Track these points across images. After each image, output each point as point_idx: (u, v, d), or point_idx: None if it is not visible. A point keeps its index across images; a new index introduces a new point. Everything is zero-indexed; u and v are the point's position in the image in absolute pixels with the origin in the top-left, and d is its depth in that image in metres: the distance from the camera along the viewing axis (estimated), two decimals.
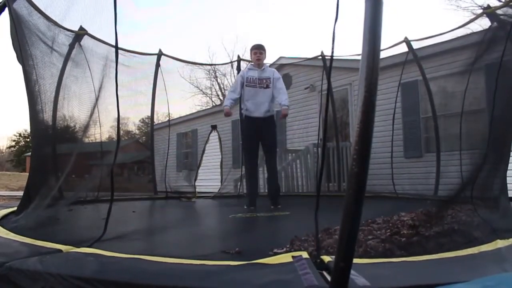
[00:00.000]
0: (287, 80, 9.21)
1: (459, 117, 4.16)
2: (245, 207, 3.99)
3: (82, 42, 4.33)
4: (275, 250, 1.80)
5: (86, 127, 4.33)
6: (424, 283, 1.25)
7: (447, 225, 2.07)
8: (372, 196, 4.78)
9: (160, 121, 8.68)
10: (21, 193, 3.88)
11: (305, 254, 1.49)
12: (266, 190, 4.58)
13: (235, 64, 6.92)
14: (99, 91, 4.15)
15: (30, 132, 4.19)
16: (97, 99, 4.17)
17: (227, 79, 23.70)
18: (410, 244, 1.76)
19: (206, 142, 6.93)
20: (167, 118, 6.90)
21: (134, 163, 21.44)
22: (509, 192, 2.71)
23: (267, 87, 4.13)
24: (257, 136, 4.15)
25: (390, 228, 2.08)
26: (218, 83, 24.16)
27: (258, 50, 4.18)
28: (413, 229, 1.96)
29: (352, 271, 1.05)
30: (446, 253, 1.58)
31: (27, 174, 4.06)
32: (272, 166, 4.22)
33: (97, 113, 4.41)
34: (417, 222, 2.07)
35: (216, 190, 6.44)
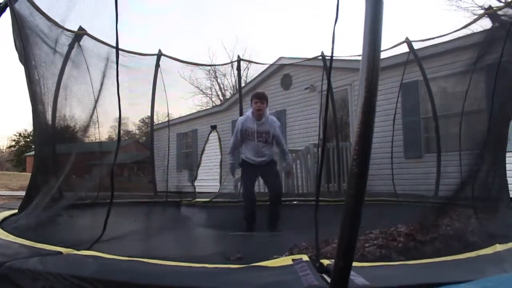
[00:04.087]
0: (287, 80, 9.23)
1: (460, 117, 4.16)
2: (244, 231, 3.78)
3: (82, 43, 4.33)
4: (275, 256, 1.80)
5: (87, 127, 4.33)
6: (424, 282, 1.25)
7: (446, 229, 2.07)
8: (370, 202, 4.76)
9: (160, 121, 8.68)
10: (21, 193, 3.88)
11: (305, 257, 1.50)
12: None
13: (235, 64, 6.91)
14: (100, 91, 4.15)
15: (33, 132, 4.19)
16: (97, 100, 4.17)
17: (227, 79, 23.71)
18: (408, 250, 1.76)
19: (206, 142, 6.94)
20: (167, 118, 6.90)
21: (134, 163, 21.43)
22: (509, 192, 2.71)
23: (266, 142, 3.88)
24: (255, 176, 4.00)
25: (387, 238, 2.07)
26: (218, 83, 24.16)
27: (260, 100, 3.82)
28: (410, 237, 1.95)
29: (351, 272, 1.05)
30: (445, 257, 1.58)
31: (27, 174, 4.06)
32: (277, 194, 3.97)
33: (97, 113, 4.41)
34: (415, 231, 2.06)
35: (216, 190, 6.44)
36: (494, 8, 3.61)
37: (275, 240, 3.10)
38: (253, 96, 3.93)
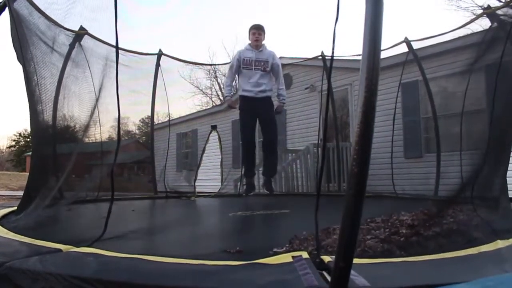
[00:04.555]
0: (287, 80, 9.22)
1: (460, 117, 4.16)
2: (244, 194, 3.88)
3: (82, 42, 4.33)
4: (275, 250, 1.80)
5: (86, 127, 4.33)
6: (424, 284, 1.25)
7: (447, 225, 2.07)
8: (372, 196, 4.77)
9: (160, 121, 8.68)
10: (21, 193, 3.88)
11: (305, 254, 1.49)
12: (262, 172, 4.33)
13: None
14: (100, 91, 4.15)
15: (31, 132, 4.20)
16: (97, 99, 4.17)
17: None
18: (410, 244, 1.76)
19: (206, 142, 6.94)
20: (167, 118, 6.90)
21: (134, 163, 21.45)
22: (509, 192, 2.71)
23: (264, 70, 3.96)
24: (253, 115, 3.99)
25: (389, 228, 2.08)
26: (218, 83, 24.17)
27: (257, 31, 4.00)
28: (412, 229, 1.96)
29: (351, 271, 1.05)
30: (446, 253, 1.58)
31: (27, 174, 4.07)
32: (272, 147, 4.03)
33: (97, 113, 4.41)
34: (417, 222, 2.07)
35: (216, 190, 6.44)
36: (493, 8, 3.61)
37: (275, 224, 3.10)
38: (251, 27, 4.08)
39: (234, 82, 4.20)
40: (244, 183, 4.00)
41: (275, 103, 4.26)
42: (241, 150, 4.16)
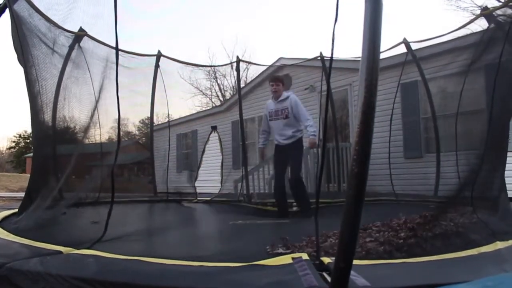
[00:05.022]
0: (287, 81, 9.22)
1: (459, 117, 4.16)
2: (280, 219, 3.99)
3: (82, 44, 4.33)
4: (268, 249, 1.81)
5: (87, 128, 4.33)
6: (424, 284, 1.25)
7: (447, 227, 2.07)
8: (371, 201, 4.78)
9: (159, 122, 8.68)
10: (21, 194, 3.88)
11: (305, 256, 1.50)
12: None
13: (235, 65, 6.91)
14: (100, 92, 4.15)
15: (32, 133, 4.19)
16: (97, 101, 4.17)
17: (226, 80, 23.71)
18: (410, 246, 1.76)
19: (206, 142, 6.94)
20: (167, 119, 6.90)
21: (134, 164, 21.39)
22: (509, 192, 2.71)
23: (286, 117, 4.17)
24: (282, 160, 4.24)
25: (389, 231, 2.09)
26: (218, 84, 24.17)
27: (274, 83, 4.23)
28: (412, 232, 1.96)
29: (352, 272, 1.05)
30: (445, 254, 1.58)
31: (27, 175, 4.07)
32: (297, 183, 4.25)
33: (97, 114, 4.41)
34: (416, 225, 2.07)
35: (216, 191, 6.44)
36: (490, 9, 3.61)
37: (275, 231, 3.11)
38: (269, 80, 4.37)
39: (268, 132, 4.46)
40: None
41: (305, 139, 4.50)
42: (274, 193, 4.47)
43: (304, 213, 3.95)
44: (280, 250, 1.80)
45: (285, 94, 4.24)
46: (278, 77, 4.34)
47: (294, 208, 4.24)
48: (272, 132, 4.33)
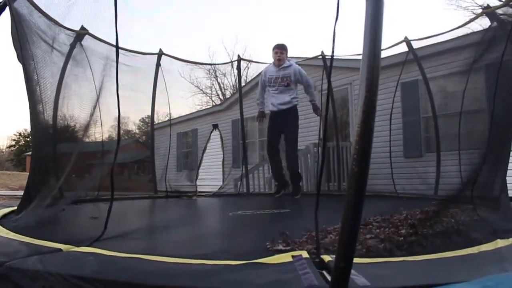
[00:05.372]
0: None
1: (459, 116, 4.16)
2: (275, 192, 4.17)
3: (83, 42, 4.33)
4: (268, 245, 1.81)
5: (87, 127, 4.33)
6: (424, 283, 1.25)
7: (447, 224, 2.07)
8: (372, 195, 4.77)
9: (160, 121, 8.67)
10: (21, 193, 3.88)
11: (305, 254, 1.49)
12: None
13: (235, 63, 6.90)
14: (100, 90, 4.14)
15: (31, 131, 4.19)
16: (97, 99, 4.16)
17: (227, 79, 23.73)
18: (410, 244, 1.76)
19: (208, 140, 6.93)
20: (167, 118, 6.90)
21: (134, 162, 21.43)
22: (509, 192, 2.70)
23: (288, 85, 4.22)
24: (277, 127, 4.29)
25: (389, 227, 2.09)
26: (218, 83, 24.18)
27: (279, 50, 4.26)
28: (412, 228, 1.96)
29: (352, 271, 1.05)
30: (446, 252, 1.58)
31: (27, 173, 4.07)
32: (292, 154, 4.33)
33: (98, 112, 4.41)
34: (417, 221, 2.07)
35: (216, 190, 6.44)
36: (492, 7, 3.60)
37: (275, 224, 3.11)
38: (274, 46, 4.36)
39: (264, 98, 4.56)
40: (275, 184, 4.39)
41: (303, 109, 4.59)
42: (268, 159, 4.54)
43: (295, 196, 4.07)
44: (280, 247, 1.80)
45: (287, 62, 4.31)
46: (283, 45, 4.38)
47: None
48: (268, 98, 4.41)
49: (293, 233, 2.03)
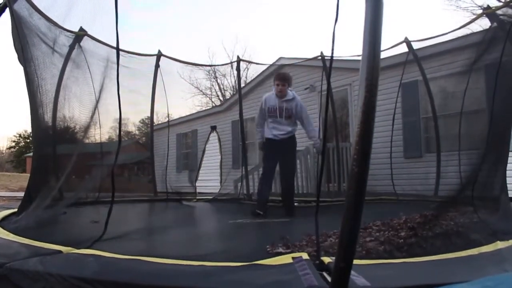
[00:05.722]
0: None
1: (459, 117, 4.16)
2: (256, 211, 3.84)
3: (82, 43, 4.33)
4: (268, 248, 1.81)
5: (87, 128, 4.33)
6: (424, 283, 1.25)
7: (447, 227, 2.07)
8: (371, 200, 4.78)
9: (159, 122, 8.68)
10: (21, 194, 3.88)
11: (305, 255, 1.49)
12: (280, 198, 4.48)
13: (235, 64, 6.91)
14: (100, 92, 4.15)
15: (31, 133, 4.19)
16: (97, 100, 4.17)
17: (227, 80, 23.72)
18: (410, 246, 1.76)
19: (206, 142, 6.94)
20: (167, 119, 6.90)
21: (134, 163, 21.42)
22: (509, 192, 2.70)
23: (289, 117, 4.05)
24: (275, 156, 4.10)
25: (389, 231, 2.09)
26: (218, 84, 24.17)
27: (281, 82, 4.00)
28: (412, 231, 1.96)
29: (352, 272, 1.05)
30: (446, 254, 1.58)
31: (27, 175, 4.06)
32: (288, 186, 4.15)
33: (98, 114, 4.41)
34: (416, 225, 2.07)
35: (216, 191, 6.44)
36: (493, 8, 3.61)
37: (274, 231, 3.10)
38: (275, 77, 4.15)
39: (264, 126, 4.22)
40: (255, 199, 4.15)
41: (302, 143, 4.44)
42: (260, 185, 4.18)
43: (289, 215, 3.86)
44: (280, 250, 1.80)
45: (290, 93, 4.09)
46: (286, 76, 4.15)
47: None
48: (266, 128, 4.16)
49: (293, 237, 2.04)
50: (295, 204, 4.24)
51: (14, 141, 41.12)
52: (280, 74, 4.18)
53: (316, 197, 1.72)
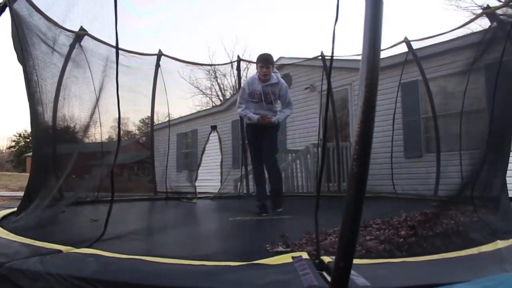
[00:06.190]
0: (287, 80, 9.21)
1: (459, 117, 4.16)
2: (258, 212, 3.75)
3: (82, 43, 4.33)
4: (268, 247, 1.81)
5: (87, 128, 4.33)
6: (424, 283, 1.25)
7: (447, 226, 2.07)
8: (372, 196, 4.77)
9: (160, 122, 8.68)
10: (21, 194, 3.88)
11: (305, 255, 1.49)
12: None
13: (235, 64, 6.91)
14: (100, 91, 4.15)
15: (31, 132, 4.19)
16: (97, 100, 4.17)
17: (227, 79, 23.72)
18: (410, 245, 1.76)
19: (206, 142, 6.94)
20: (167, 119, 6.90)
21: (134, 163, 21.46)
22: (509, 192, 2.70)
23: (271, 103, 3.86)
24: (259, 141, 3.96)
25: (389, 229, 2.09)
26: (218, 84, 24.17)
27: (265, 64, 3.76)
28: (412, 230, 1.96)
29: (352, 271, 1.05)
30: (446, 253, 1.58)
31: (27, 174, 4.06)
32: (271, 167, 3.98)
33: (98, 113, 4.41)
34: (417, 223, 2.07)
35: (216, 191, 6.44)
36: (492, 8, 3.61)
37: (274, 228, 3.10)
38: (258, 59, 3.89)
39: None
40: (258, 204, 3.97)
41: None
42: (253, 178, 4.11)
43: (277, 209, 3.76)
44: (280, 248, 1.80)
45: (273, 76, 3.84)
46: (268, 58, 3.84)
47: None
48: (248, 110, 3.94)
49: (293, 236, 2.04)
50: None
51: (14, 141, 41.16)
52: (263, 55, 3.88)
53: (316, 198, 1.71)
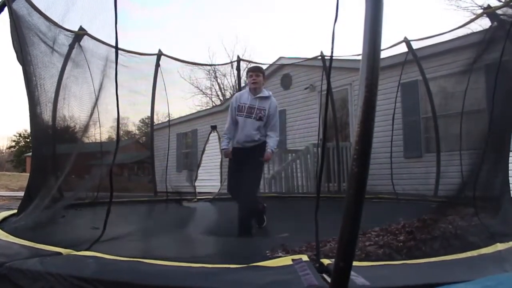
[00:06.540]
0: (287, 80, 9.22)
1: (459, 117, 4.16)
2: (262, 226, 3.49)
3: (82, 43, 4.33)
4: (268, 253, 1.80)
5: (86, 127, 4.33)
6: (424, 283, 1.25)
7: (446, 230, 2.06)
8: (370, 198, 4.76)
9: (160, 121, 8.68)
10: (21, 194, 3.87)
11: (305, 257, 1.49)
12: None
13: (235, 64, 6.91)
14: (99, 91, 4.14)
15: (31, 132, 4.19)
16: (97, 99, 4.16)
17: (227, 79, 23.69)
18: (409, 249, 1.76)
19: (206, 142, 6.94)
20: (167, 118, 6.90)
21: (134, 163, 21.45)
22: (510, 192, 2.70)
23: (260, 119, 3.38)
24: (241, 168, 3.42)
25: (388, 236, 2.08)
26: (218, 83, 24.15)
27: (254, 73, 3.42)
28: (411, 235, 1.95)
29: (351, 272, 1.04)
30: (446, 256, 1.58)
31: (27, 174, 4.05)
32: (245, 199, 3.32)
33: (97, 113, 4.41)
34: (415, 229, 2.06)
35: (216, 191, 6.44)
36: (493, 8, 3.61)
37: (269, 231, 3.08)
38: (248, 70, 3.63)
39: (232, 133, 3.50)
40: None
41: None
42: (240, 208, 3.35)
43: (260, 226, 3.47)
44: (280, 255, 1.80)
45: (265, 91, 3.49)
46: (259, 67, 3.57)
47: None
48: (235, 132, 3.48)
49: (292, 241, 2.03)
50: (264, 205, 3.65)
51: (14, 141, 41.12)
52: (253, 66, 3.67)
53: (316, 198, 1.71)
